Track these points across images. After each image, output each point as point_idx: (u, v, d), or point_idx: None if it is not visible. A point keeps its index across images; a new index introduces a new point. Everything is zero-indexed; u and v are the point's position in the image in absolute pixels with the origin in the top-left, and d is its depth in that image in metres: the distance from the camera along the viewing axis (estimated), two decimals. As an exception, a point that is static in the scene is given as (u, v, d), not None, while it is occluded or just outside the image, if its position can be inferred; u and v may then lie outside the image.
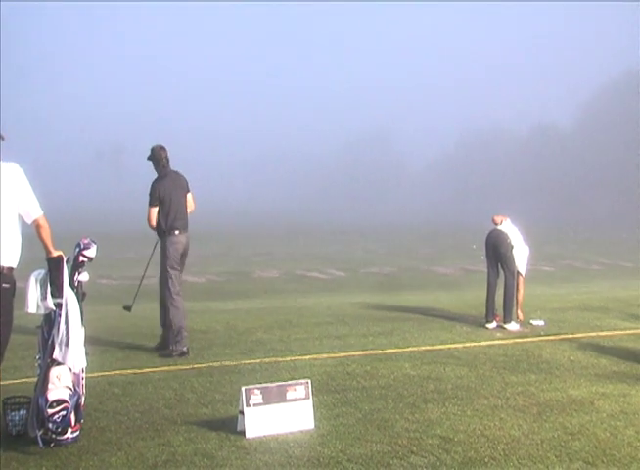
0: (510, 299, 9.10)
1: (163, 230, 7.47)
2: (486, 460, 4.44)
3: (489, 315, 9.13)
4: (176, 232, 7.46)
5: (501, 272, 9.23)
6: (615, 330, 9.07)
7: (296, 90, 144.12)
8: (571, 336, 8.60)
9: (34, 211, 4.50)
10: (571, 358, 7.32)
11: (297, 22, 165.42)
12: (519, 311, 9.26)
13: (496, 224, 9.26)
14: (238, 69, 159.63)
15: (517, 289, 9.24)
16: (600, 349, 7.81)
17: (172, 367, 6.88)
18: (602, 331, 8.98)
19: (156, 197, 7.48)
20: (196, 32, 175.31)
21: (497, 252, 9.17)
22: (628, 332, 8.96)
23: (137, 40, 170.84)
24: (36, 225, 4.51)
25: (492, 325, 9.05)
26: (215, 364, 7.00)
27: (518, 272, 9.28)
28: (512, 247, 9.15)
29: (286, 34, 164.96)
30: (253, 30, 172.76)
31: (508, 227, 9.28)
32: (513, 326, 8.98)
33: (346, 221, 52.14)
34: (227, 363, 7.04)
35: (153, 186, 7.58)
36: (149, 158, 7.65)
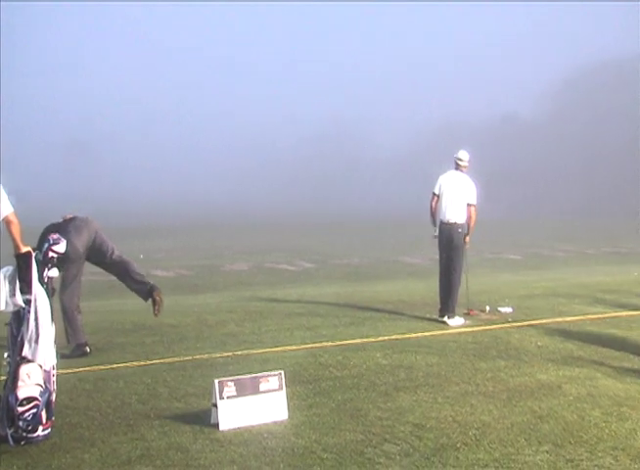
0: (455, 294, 8.90)
1: None
2: (458, 445, 4.51)
3: (444, 308, 8.95)
4: None
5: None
6: (580, 315, 9.25)
7: (264, 80, 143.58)
8: (538, 322, 8.75)
9: (4, 208, 4.48)
10: (539, 344, 7.45)
11: (268, 14, 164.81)
12: (467, 237, 9.04)
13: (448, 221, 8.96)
14: (208, 62, 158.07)
15: (469, 218, 8.98)
16: (566, 334, 7.97)
17: (143, 362, 6.84)
18: (568, 317, 9.16)
19: None
20: (170, 17, 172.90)
21: (450, 244, 8.96)
22: (593, 317, 9.16)
23: (105, 29, 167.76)
24: (6, 222, 4.48)
25: (446, 317, 8.85)
26: (187, 358, 6.97)
27: (468, 204, 8.97)
28: (465, 237, 9.00)
29: (258, 27, 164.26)
30: (225, 21, 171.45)
31: (461, 180, 9.07)
32: (457, 321, 8.74)
33: (314, 214, 52.17)
34: (199, 357, 7.02)
35: None
36: None
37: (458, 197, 9.01)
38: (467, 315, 9.12)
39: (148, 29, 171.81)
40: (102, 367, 6.63)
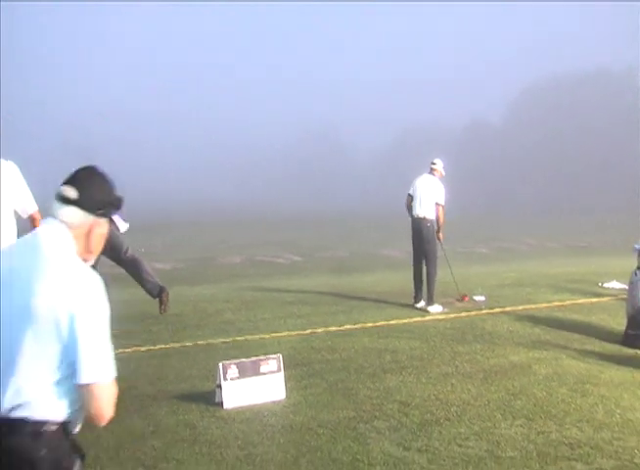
0: (432, 283, 8.98)
1: None
2: (441, 421, 4.62)
3: (418, 296, 9.12)
4: None
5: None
6: (546, 303, 9.42)
7: (254, 81, 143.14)
8: (508, 309, 8.90)
9: (30, 207, 4.54)
10: (510, 329, 7.59)
11: (263, 17, 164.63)
12: (440, 234, 9.19)
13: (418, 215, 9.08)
14: (196, 65, 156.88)
15: (438, 216, 9.12)
16: (534, 319, 8.13)
17: (150, 347, 6.88)
18: (535, 304, 9.31)
19: None
20: (169, 18, 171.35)
21: (420, 236, 9.08)
22: (557, 304, 9.33)
23: (105, 30, 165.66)
24: (32, 219, 4.52)
25: (420, 304, 9.01)
26: (190, 344, 7.02)
27: (437, 203, 9.10)
28: (434, 231, 9.10)
29: (243, 29, 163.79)
30: (222, 24, 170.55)
31: (430, 184, 9.18)
32: (436, 308, 8.82)
33: (300, 210, 52.15)
34: (200, 342, 7.07)
35: None
36: None
37: (427, 196, 9.17)
38: (460, 301, 9.37)
39: (147, 30, 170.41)
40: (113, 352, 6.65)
